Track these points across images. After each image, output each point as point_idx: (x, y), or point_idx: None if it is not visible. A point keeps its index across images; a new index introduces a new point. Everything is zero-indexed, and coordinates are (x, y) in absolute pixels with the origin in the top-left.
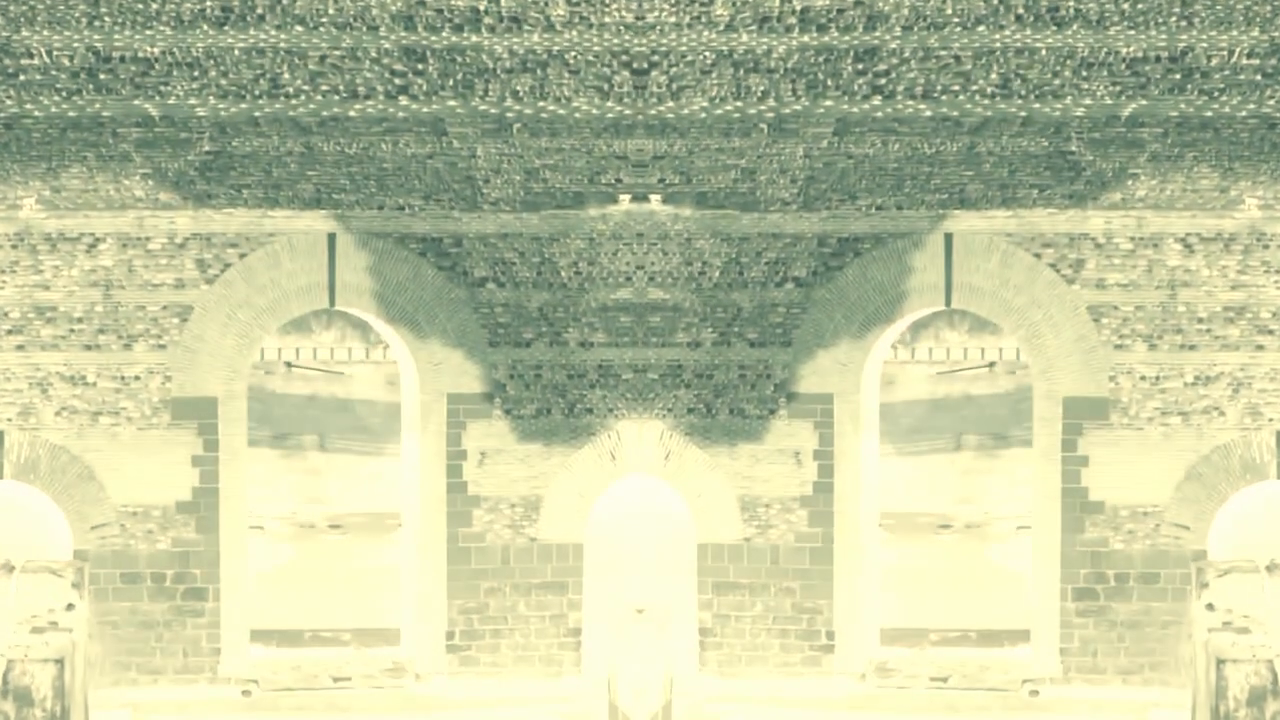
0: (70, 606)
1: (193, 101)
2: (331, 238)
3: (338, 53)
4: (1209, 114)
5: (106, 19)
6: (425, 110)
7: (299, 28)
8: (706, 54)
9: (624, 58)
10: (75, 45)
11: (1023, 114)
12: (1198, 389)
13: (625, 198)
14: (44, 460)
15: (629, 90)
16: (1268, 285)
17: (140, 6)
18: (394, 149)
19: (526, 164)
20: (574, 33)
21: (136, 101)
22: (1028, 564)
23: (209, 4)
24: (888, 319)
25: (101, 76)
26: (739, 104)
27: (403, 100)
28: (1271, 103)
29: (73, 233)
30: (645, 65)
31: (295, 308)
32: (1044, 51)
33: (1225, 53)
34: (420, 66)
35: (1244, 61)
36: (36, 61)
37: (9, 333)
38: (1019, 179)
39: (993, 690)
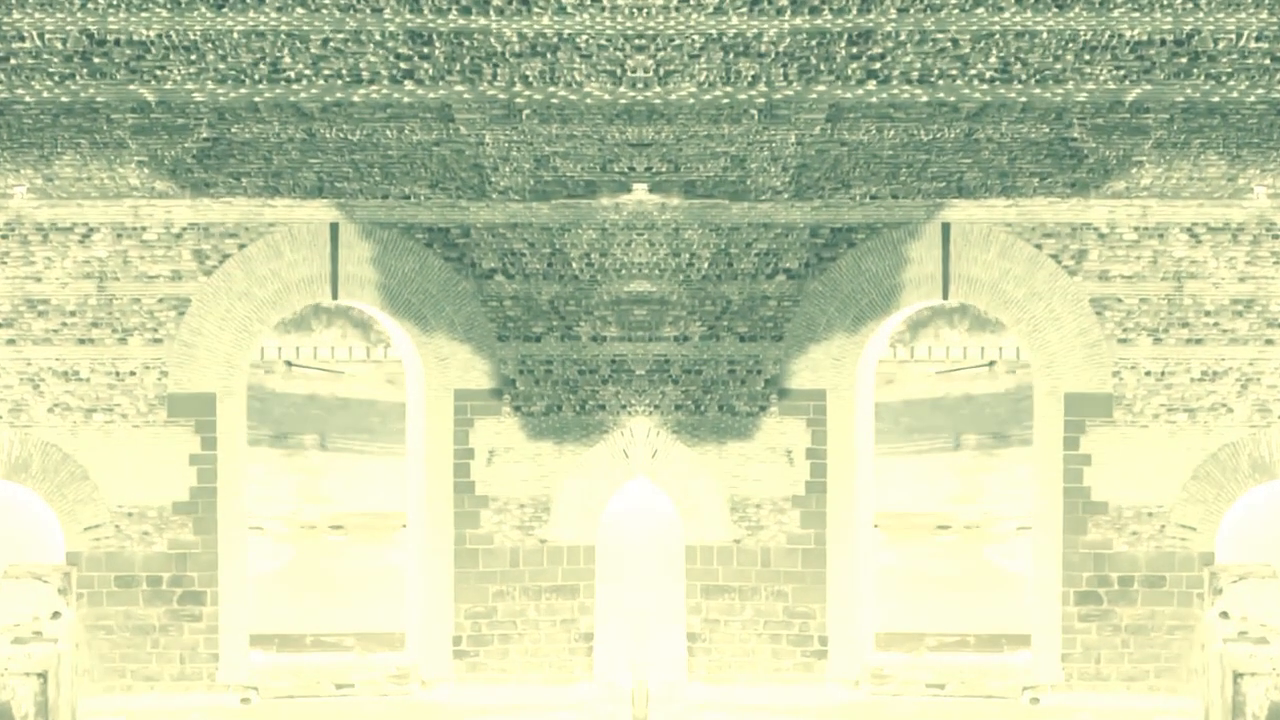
0: (56, 615)
1: (190, 86)
2: (334, 228)
3: (341, 36)
4: (1216, 99)
5: (101, 1)
6: (431, 96)
7: (300, 10)
8: (695, 37)
9: (621, 41)
10: (68, 28)
11: (1023, 99)
12: (1204, 385)
13: (641, 187)
14: (36, 459)
15: (640, 75)
16: (1277, 277)
17: None
18: (399, 136)
19: (536, 151)
20: (585, 16)
21: (132, 86)
22: (1028, 566)
23: None
24: (883, 312)
25: (95, 60)
26: (728, 89)
27: (408, 85)
28: None
29: (65, 222)
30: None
31: (296, 300)
32: (1045, 34)
33: (1233, 35)
34: (426, 50)
35: (1252, 45)
36: (28, 45)
37: None
38: (1019, 167)
39: (992, 697)
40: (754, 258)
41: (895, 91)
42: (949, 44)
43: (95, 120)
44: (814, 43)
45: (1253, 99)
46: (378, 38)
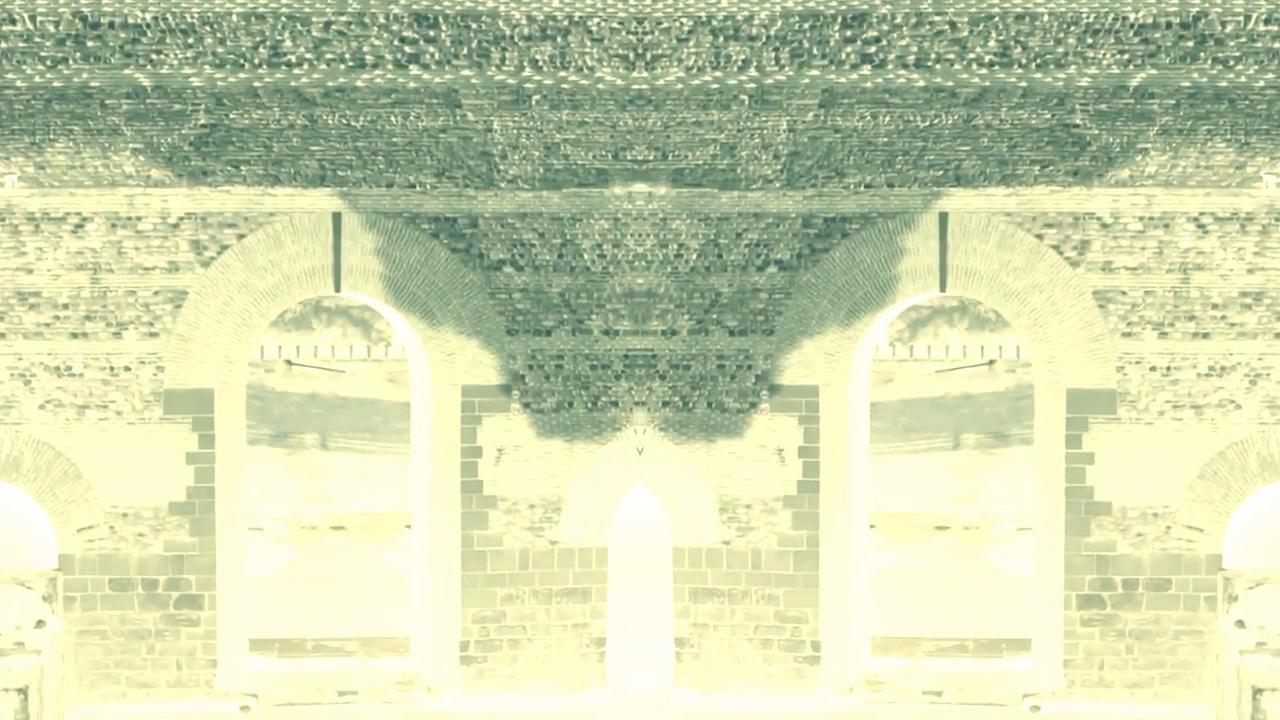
0: (40, 624)
1: (187, 71)
2: (337, 218)
3: (344, 18)
4: (1223, 84)
5: None
6: (438, 81)
7: None
8: (683, 20)
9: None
10: (61, 10)
11: (1023, 84)
12: (1212, 380)
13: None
14: (27, 457)
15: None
16: None
17: None
18: (404, 122)
19: (546, 138)
20: None
21: (127, 71)
22: (1029, 568)
23: None
24: (878, 305)
25: (89, 44)
26: (718, 74)
27: (413, 70)
28: None
29: (58, 212)
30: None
31: (298, 293)
32: (1046, 17)
33: (1241, 18)
34: (432, 33)
35: (1261, 28)
36: (19, 28)
37: None
38: (1019, 154)
39: (991, 705)
40: (744, 249)
41: (891, 76)
42: (946, 27)
43: (89, 106)
44: (807, 25)
45: (1261, 84)
46: (382, 20)
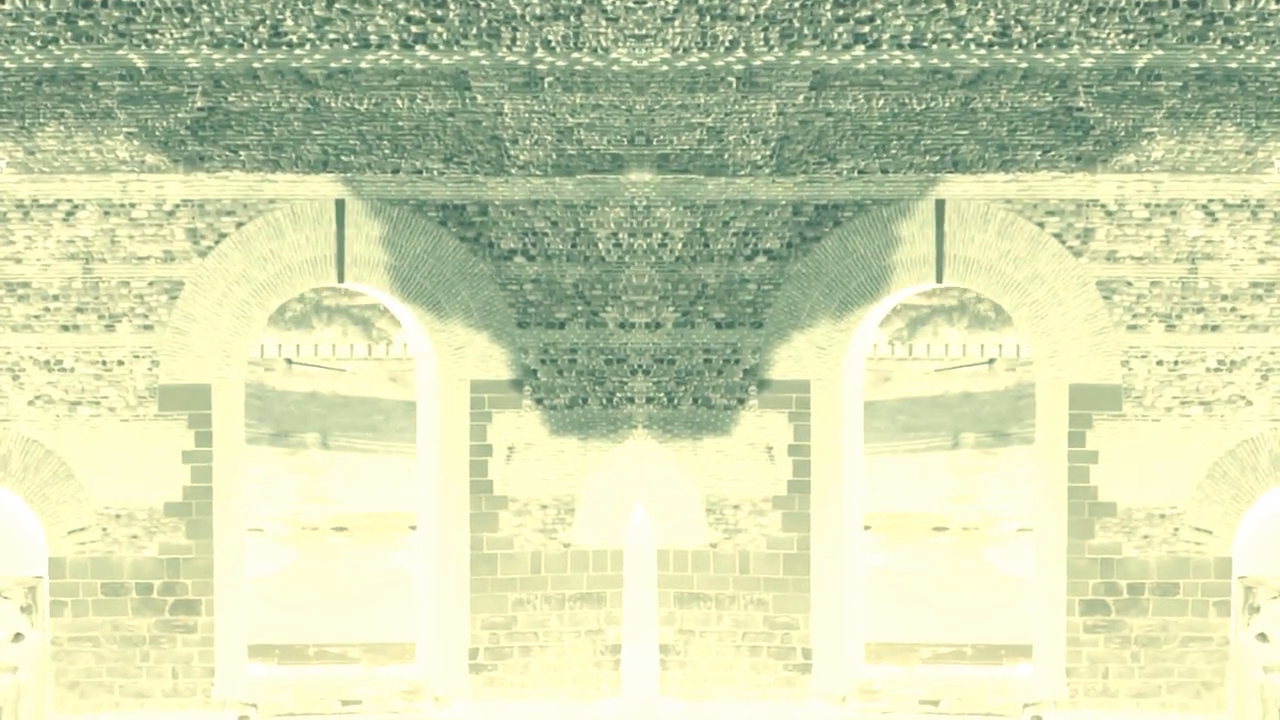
0: (18, 637)
1: (184, 51)
2: (340, 205)
3: None
4: (1233, 65)
5: None
6: (446, 62)
7: None
8: None
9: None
10: None
11: (1024, 65)
12: (1221, 375)
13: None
14: (15, 456)
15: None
16: None
17: None
18: (410, 105)
19: (559, 122)
20: None
21: (120, 51)
22: (1030, 571)
23: None
24: (871, 297)
25: (81, 23)
26: (704, 55)
27: (420, 50)
28: None
29: (48, 199)
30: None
31: (299, 284)
32: None
33: None
34: (440, 13)
35: (1272, 6)
36: (8, 6)
37: None
38: (1019, 139)
39: (990, 715)
40: (732, 237)
41: (885, 57)
42: (943, 5)
43: (80, 88)
44: (797, 4)
45: (1273, 65)
46: None
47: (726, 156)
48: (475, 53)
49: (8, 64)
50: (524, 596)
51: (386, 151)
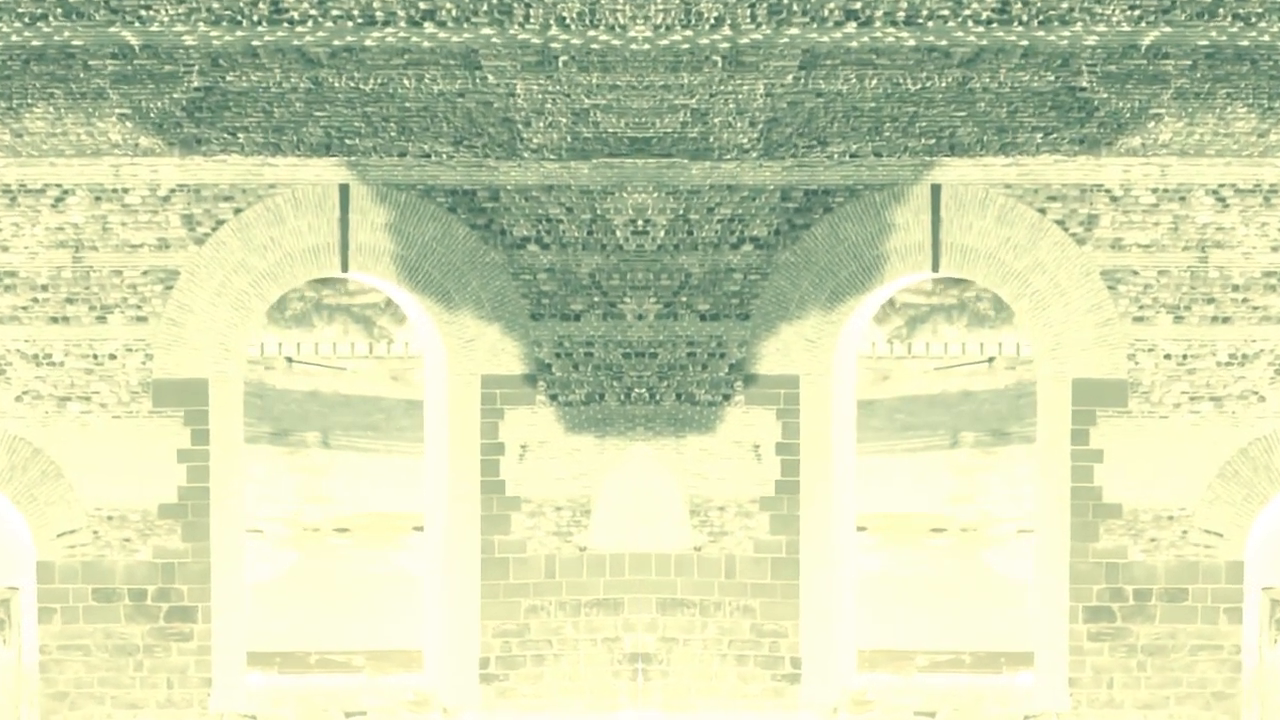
0: None
1: (179, 29)
2: (344, 190)
3: None
4: (1245, 43)
5: None
6: (455, 40)
7: None
8: None
9: None
10: None
11: (1024, 43)
12: (1233, 369)
13: None
14: (1, 455)
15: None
16: None
17: None
18: (418, 85)
19: (574, 104)
20: None
21: (113, 28)
22: (1031, 575)
23: None
24: (864, 286)
25: None
26: (688, 33)
27: (428, 28)
28: None
29: (36, 184)
30: None
31: (301, 273)
32: None
33: None
34: None
35: None
36: None
37: None
38: (1020, 120)
39: None
40: (716, 225)
41: (878, 35)
42: None
43: (71, 67)
44: None
45: None
46: None
47: (711, 140)
48: (486, 30)
49: None
50: (538, 602)
51: (393, 134)
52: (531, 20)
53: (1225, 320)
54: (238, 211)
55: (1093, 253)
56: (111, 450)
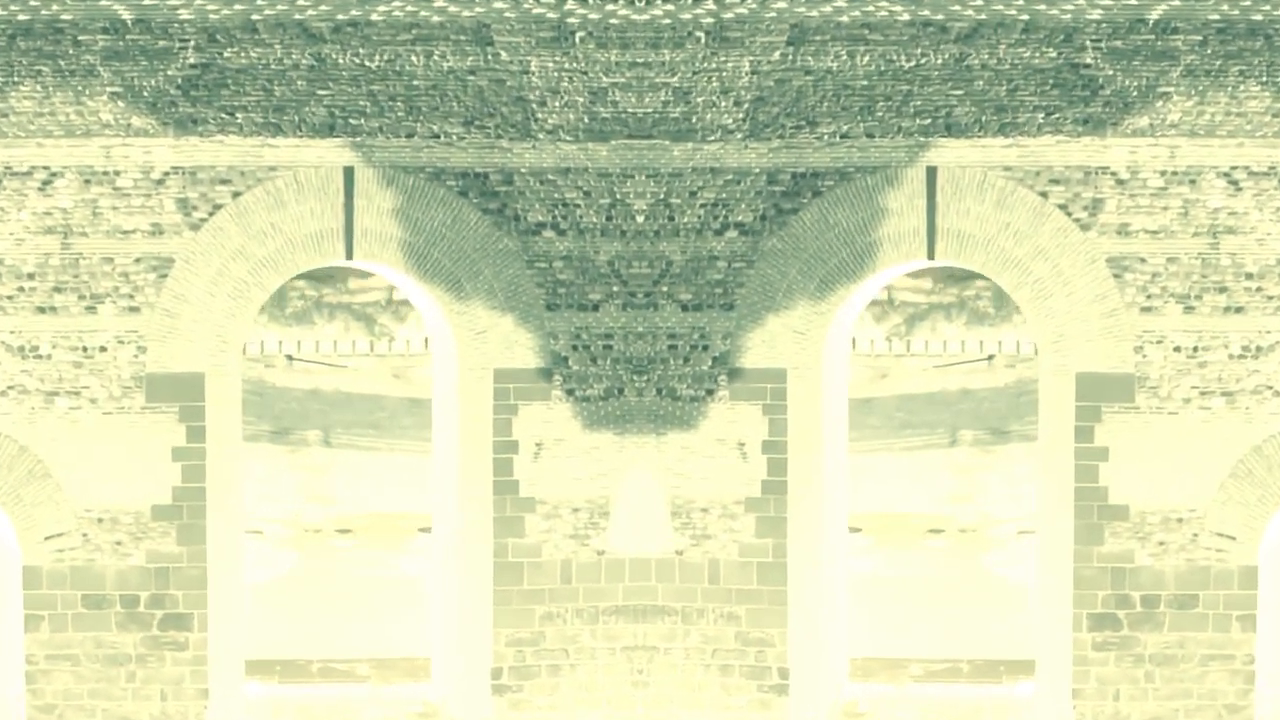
0: None
1: (174, 2)
2: (349, 173)
3: None
4: (1258, 17)
5: None
6: (466, 14)
7: None
8: None
9: None
10: None
11: (1024, 18)
12: (1246, 363)
13: None
14: None
15: None
16: None
17: None
18: (427, 63)
19: (592, 82)
20: None
21: (104, 2)
22: (1032, 579)
23: None
24: (855, 275)
25: None
26: (670, 8)
27: (437, 2)
28: None
29: (23, 166)
30: None
31: (303, 260)
32: None
33: None
34: None
35: None
36: None
37: None
38: (1020, 99)
39: None
40: (700, 210)
41: (870, 9)
42: None
43: (60, 43)
44: None
45: None
46: None
47: (694, 120)
48: (498, 4)
49: None
50: (553, 609)
51: (400, 114)
52: None
53: (1238, 310)
54: (236, 195)
55: (1098, 239)
56: (102, 448)
